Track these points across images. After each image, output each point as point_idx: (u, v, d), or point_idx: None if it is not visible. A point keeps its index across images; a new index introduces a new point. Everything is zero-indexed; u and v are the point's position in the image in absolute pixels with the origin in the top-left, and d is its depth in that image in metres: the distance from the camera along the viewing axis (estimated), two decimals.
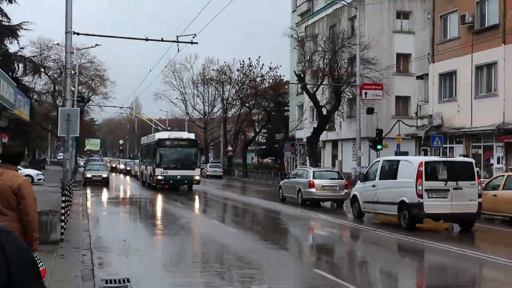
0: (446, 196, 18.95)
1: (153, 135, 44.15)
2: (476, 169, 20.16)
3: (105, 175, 43.32)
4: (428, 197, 18.80)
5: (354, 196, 22.96)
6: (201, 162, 50.39)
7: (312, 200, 28.45)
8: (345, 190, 27.85)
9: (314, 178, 28.37)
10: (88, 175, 42.61)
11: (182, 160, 38.49)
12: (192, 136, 42.07)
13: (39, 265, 1.98)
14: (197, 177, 38.38)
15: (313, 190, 27.94)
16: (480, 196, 19.49)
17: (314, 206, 27.88)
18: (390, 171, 21.13)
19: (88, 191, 36.34)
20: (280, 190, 31.73)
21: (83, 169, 45.98)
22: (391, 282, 12.36)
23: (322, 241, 18.53)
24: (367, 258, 14.81)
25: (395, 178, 20.29)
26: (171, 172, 37.49)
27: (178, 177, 37.64)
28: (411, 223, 18.98)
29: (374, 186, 21.58)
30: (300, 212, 24.89)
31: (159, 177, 37.63)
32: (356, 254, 15.95)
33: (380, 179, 21.41)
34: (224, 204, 32.00)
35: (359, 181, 23.78)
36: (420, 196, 18.72)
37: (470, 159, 22.32)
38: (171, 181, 37.73)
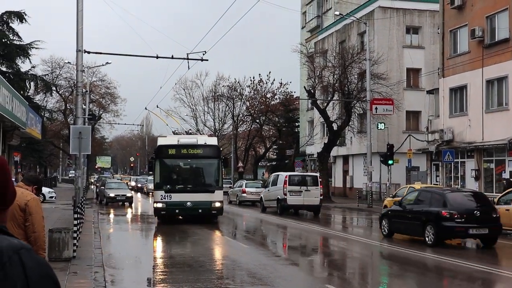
0: (300, 195, 32.25)
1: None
2: (319, 180, 34.13)
3: (129, 194, 41.24)
4: (290, 195, 32.21)
5: (261, 197, 35.97)
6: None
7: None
8: None
9: (246, 187, 42.08)
10: (111, 194, 40.52)
11: (195, 178, 27.17)
12: (211, 140, 28.50)
13: (59, 282, 2.01)
14: (217, 204, 25.78)
15: (244, 195, 41.30)
16: (321, 194, 33.04)
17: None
18: (275, 181, 34.35)
19: (112, 211, 35.73)
20: (228, 196, 42.76)
21: (102, 187, 44.17)
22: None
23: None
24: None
25: (276, 185, 33.67)
26: (176, 197, 25.57)
27: (188, 204, 25.36)
28: (282, 211, 32.45)
29: (268, 190, 34.96)
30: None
31: (159, 205, 25.75)
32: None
33: (271, 186, 34.76)
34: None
35: (264, 188, 37.30)
36: (285, 194, 32.19)
37: (316, 174, 37.44)
38: (176, 211, 25.82)
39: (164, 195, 25.59)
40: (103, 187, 43.85)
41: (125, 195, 41.01)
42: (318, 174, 36.58)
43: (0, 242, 1.96)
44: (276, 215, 31.81)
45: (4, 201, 2.21)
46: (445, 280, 13.83)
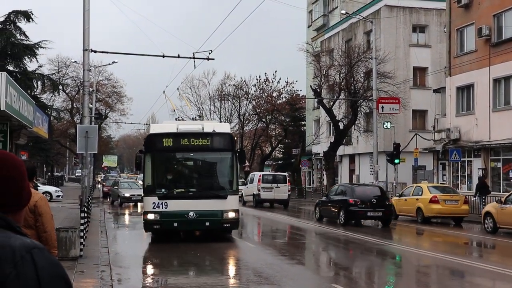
0: (271, 191, 39.03)
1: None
2: (288, 178, 42.03)
3: None
4: (263, 191, 39.06)
5: (242, 193, 39.54)
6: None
7: None
8: None
9: None
10: (126, 194, 39.25)
11: (200, 179, 20.68)
12: (222, 127, 21.37)
13: (71, 282, 2.05)
14: (231, 214, 19.08)
15: None
16: (289, 190, 40.65)
17: None
18: (252, 179, 41.16)
19: (121, 211, 35.66)
20: None
21: (115, 187, 43.10)
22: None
23: None
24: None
25: (253, 182, 40.53)
26: (175, 205, 18.79)
27: (191, 214, 18.65)
28: (256, 204, 39.25)
29: (247, 187, 41.59)
30: None
31: (151, 216, 18.80)
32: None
33: (249, 183, 41.52)
34: None
35: (244, 185, 41.76)
36: (259, 190, 39.03)
37: (285, 173, 45.40)
38: (175, 224, 18.85)
39: (158, 203, 18.75)
40: (116, 187, 42.66)
41: (141, 194, 40.20)
42: (286, 174, 45.64)
43: (13, 241, 1.98)
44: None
45: (20, 201, 2.22)
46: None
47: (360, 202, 25.48)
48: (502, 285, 13.17)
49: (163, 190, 19.17)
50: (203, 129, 19.81)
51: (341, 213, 25.99)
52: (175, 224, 18.79)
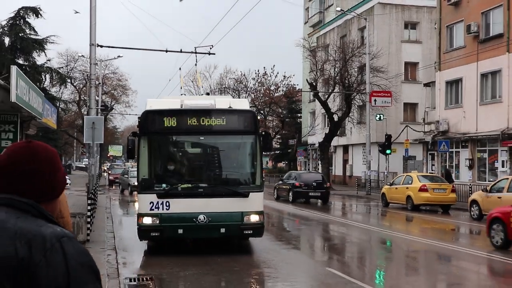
0: None
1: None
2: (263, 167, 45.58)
3: None
4: None
5: None
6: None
7: None
8: None
9: None
10: (137, 183, 37.94)
11: (212, 171, 15.39)
12: (239, 104, 15.76)
13: (99, 271, 2.09)
14: (254, 217, 14.10)
15: None
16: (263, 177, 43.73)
17: None
18: None
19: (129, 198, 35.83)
20: None
21: (125, 176, 42.33)
22: None
23: None
24: None
25: None
26: (179, 206, 13.91)
27: (201, 218, 13.75)
28: None
29: None
30: None
31: (147, 220, 13.88)
32: None
33: None
34: None
35: None
36: None
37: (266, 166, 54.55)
38: (180, 231, 13.92)
39: (157, 203, 13.86)
40: (126, 176, 41.82)
41: None
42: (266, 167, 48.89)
43: (44, 230, 1.98)
44: None
45: (53, 191, 2.19)
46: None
47: (304, 185, 32.75)
48: (487, 268, 13.63)
49: (163, 185, 14.24)
50: (215, 105, 14.71)
51: (290, 193, 33.45)
52: (180, 231, 13.95)
